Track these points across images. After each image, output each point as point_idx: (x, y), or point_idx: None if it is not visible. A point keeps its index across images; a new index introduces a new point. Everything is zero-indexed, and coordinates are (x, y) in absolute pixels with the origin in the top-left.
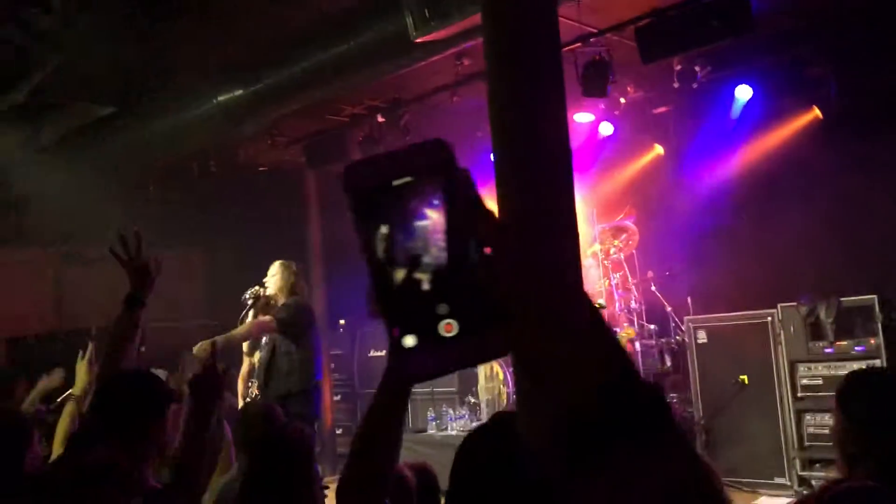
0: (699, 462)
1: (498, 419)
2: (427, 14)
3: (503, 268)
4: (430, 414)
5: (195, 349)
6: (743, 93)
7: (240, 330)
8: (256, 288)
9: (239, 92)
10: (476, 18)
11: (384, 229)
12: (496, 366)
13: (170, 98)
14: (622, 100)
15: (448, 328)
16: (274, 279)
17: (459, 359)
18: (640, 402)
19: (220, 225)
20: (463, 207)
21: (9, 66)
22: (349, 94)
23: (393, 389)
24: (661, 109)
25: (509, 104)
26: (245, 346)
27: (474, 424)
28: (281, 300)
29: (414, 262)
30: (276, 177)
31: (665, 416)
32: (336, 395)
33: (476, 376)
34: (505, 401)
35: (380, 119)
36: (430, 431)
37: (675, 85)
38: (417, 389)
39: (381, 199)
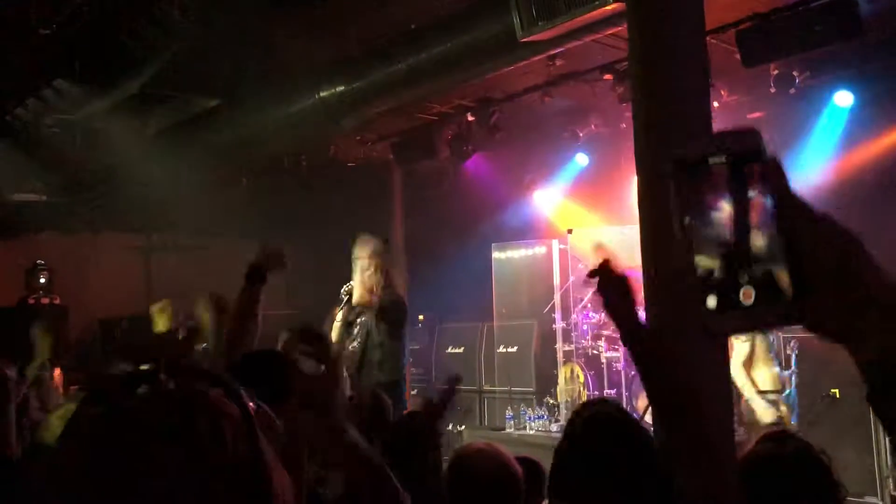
0: None
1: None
2: (535, 14)
3: (814, 249)
4: (508, 413)
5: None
6: (843, 99)
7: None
8: (352, 285)
9: (341, 88)
10: (583, 18)
11: (686, 220)
12: (576, 367)
13: (273, 92)
14: (715, 104)
15: (747, 295)
16: (368, 272)
17: (754, 321)
18: None
19: (306, 217)
20: (781, 195)
21: (130, 58)
22: (444, 93)
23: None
24: (756, 115)
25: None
26: (335, 333)
27: (553, 426)
28: (376, 293)
29: (714, 253)
30: (364, 172)
31: None
32: (413, 389)
33: (555, 378)
34: None
35: (470, 118)
36: (508, 430)
37: (772, 90)
38: (495, 388)
39: (699, 175)
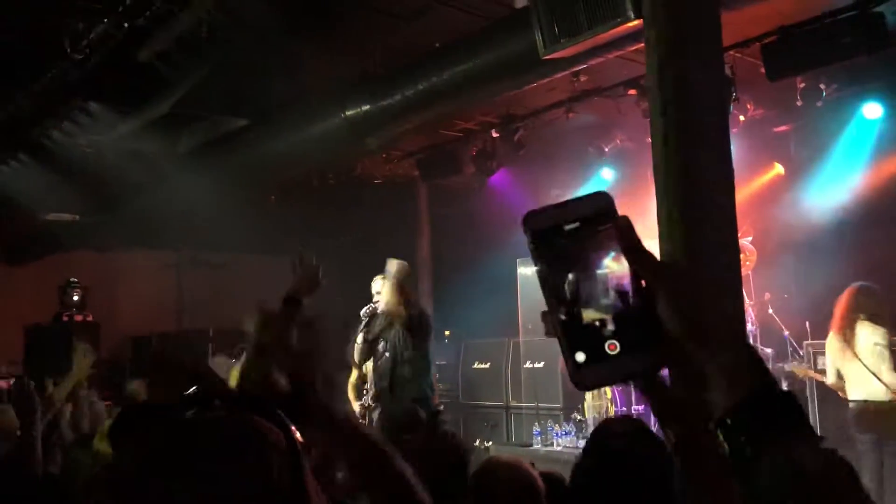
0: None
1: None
2: (557, 31)
3: (664, 299)
4: (536, 429)
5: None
6: (871, 111)
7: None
8: (373, 306)
9: (366, 107)
10: (605, 35)
11: (571, 276)
12: None
13: (299, 112)
14: (741, 117)
15: (612, 347)
16: (384, 294)
17: (620, 372)
18: (778, 407)
19: (333, 234)
20: (631, 252)
21: (160, 80)
22: (468, 110)
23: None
24: (783, 128)
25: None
26: (356, 355)
27: (581, 442)
28: (398, 313)
29: (597, 306)
30: (390, 189)
31: (801, 417)
32: (440, 405)
33: (582, 394)
34: None
35: (494, 134)
36: (535, 446)
37: (799, 103)
38: (522, 404)
39: (556, 242)
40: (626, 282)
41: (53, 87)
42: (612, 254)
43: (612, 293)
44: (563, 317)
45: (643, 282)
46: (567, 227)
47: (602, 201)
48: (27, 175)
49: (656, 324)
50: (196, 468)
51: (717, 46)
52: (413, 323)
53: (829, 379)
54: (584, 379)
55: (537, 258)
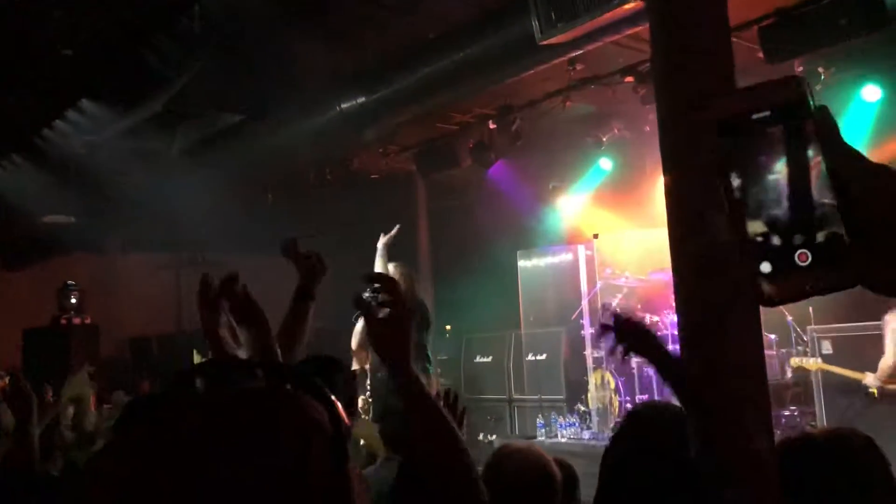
0: None
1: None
2: (553, 16)
3: (870, 205)
4: (539, 421)
5: None
6: (871, 94)
7: None
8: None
9: (361, 99)
10: (602, 19)
11: (736, 181)
12: (608, 374)
13: (294, 106)
14: None
15: (802, 257)
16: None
17: (815, 284)
18: None
19: (331, 230)
20: (834, 150)
21: (153, 77)
22: (463, 102)
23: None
24: None
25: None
26: (354, 340)
27: (585, 433)
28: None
29: (767, 218)
30: (387, 184)
31: None
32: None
33: (586, 384)
34: (616, 410)
35: (491, 126)
36: (539, 438)
37: None
38: (525, 396)
39: (742, 133)
40: (819, 184)
41: (45, 86)
42: (808, 151)
43: (804, 196)
44: (749, 224)
45: (840, 180)
46: (756, 117)
47: (795, 89)
48: (23, 177)
49: (855, 233)
50: (216, 454)
51: (725, 26)
52: (414, 312)
53: (890, 360)
54: (772, 292)
55: (724, 155)
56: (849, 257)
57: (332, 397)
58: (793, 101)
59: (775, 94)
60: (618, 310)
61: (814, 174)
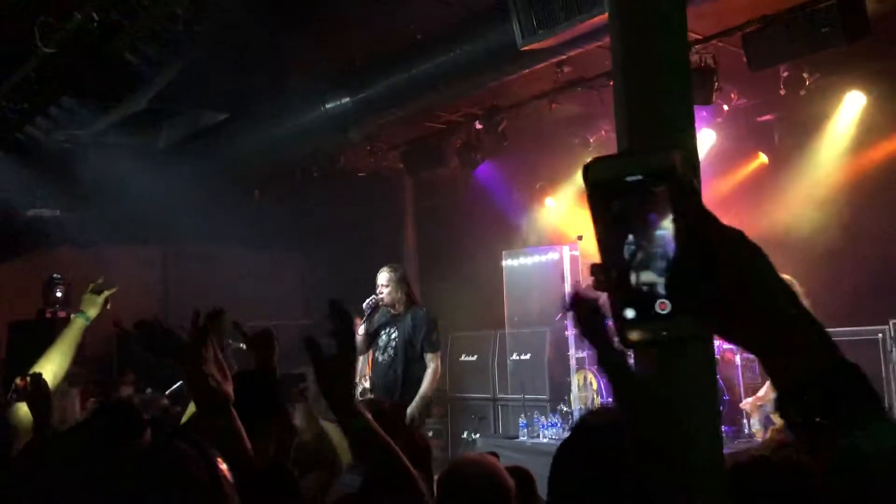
0: None
1: (596, 421)
2: (535, 23)
3: (725, 265)
4: (522, 420)
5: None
6: (854, 100)
7: (428, 385)
8: (375, 298)
9: (346, 100)
10: (583, 27)
11: (630, 238)
12: (590, 375)
13: (279, 105)
14: (725, 107)
15: (662, 306)
16: (388, 289)
17: (669, 331)
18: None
19: (317, 228)
20: (693, 216)
21: (135, 75)
22: (450, 102)
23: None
24: (766, 117)
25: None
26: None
27: (567, 434)
28: (400, 309)
29: (652, 267)
30: (374, 182)
31: (874, 399)
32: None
33: (569, 385)
34: None
35: (478, 126)
36: (521, 438)
37: (782, 92)
38: (509, 396)
39: (617, 196)
40: (682, 243)
41: (26, 82)
42: (672, 214)
43: (668, 254)
44: (615, 274)
45: (701, 245)
46: (629, 180)
47: (666, 159)
48: (6, 171)
49: (712, 289)
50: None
51: (683, 36)
52: (430, 325)
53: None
54: (630, 336)
55: (595, 212)
56: (707, 310)
57: (211, 452)
58: (664, 168)
59: (645, 161)
60: (576, 290)
61: (675, 234)
